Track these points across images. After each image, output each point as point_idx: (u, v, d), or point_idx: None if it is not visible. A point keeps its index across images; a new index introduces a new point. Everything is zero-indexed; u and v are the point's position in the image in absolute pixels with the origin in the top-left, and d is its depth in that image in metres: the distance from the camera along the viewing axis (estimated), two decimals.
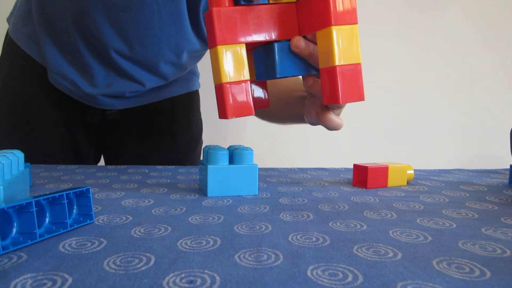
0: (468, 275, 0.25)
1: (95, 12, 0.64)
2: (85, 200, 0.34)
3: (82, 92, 0.73)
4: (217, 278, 0.24)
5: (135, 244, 0.29)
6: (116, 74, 0.72)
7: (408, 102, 1.54)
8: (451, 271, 0.25)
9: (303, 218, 0.37)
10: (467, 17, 1.52)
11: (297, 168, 0.69)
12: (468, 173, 0.67)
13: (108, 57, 0.69)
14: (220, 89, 0.42)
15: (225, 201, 0.44)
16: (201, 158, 0.58)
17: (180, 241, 0.30)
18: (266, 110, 0.60)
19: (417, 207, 0.43)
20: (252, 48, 0.47)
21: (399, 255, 0.28)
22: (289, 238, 0.31)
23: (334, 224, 0.35)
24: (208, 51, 0.80)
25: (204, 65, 0.90)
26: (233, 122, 1.45)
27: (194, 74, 0.89)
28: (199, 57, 0.82)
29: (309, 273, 0.25)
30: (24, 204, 0.28)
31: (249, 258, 0.27)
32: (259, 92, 0.51)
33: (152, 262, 0.26)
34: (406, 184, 0.56)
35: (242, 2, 0.41)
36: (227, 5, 0.40)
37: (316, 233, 0.33)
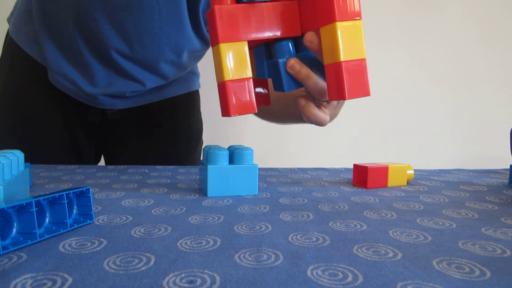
0: (468, 275, 0.25)
1: (95, 12, 0.64)
2: (85, 200, 0.34)
3: (82, 92, 0.73)
4: (217, 278, 0.24)
5: (135, 244, 0.29)
6: (116, 73, 0.72)
7: (408, 102, 1.54)
8: (451, 271, 0.25)
9: (303, 218, 0.37)
10: (467, 17, 1.52)
11: (297, 168, 0.69)
12: (468, 173, 0.67)
13: (108, 57, 0.69)
14: (222, 87, 0.42)
15: (225, 201, 0.44)
16: (201, 158, 0.58)
17: (180, 241, 0.30)
18: (266, 110, 0.60)
19: (417, 207, 0.43)
20: (253, 45, 0.47)
21: (399, 255, 0.28)
22: (289, 238, 0.31)
23: (334, 224, 0.35)
24: (208, 51, 0.80)
25: (204, 65, 0.90)
26: (233, 122, 1.45)
27: (194, 74, 0.89)
28: (199, 57, 0.82)
29: (309, 273, 0.25)
30: (24, 204, 0.28)
31: (249, 258, 0.27)
32: (260, 90, 0.51)
33: (152, 262, 0.26)
34: (406, 184, 0.56)
35: (244, 0, 0.41)
36: (229, 2, 0.40)
37: (316, 233, 0.33)
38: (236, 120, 1.45)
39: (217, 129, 1.37)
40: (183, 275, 0.24)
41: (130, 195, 0.46)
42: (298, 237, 0.32)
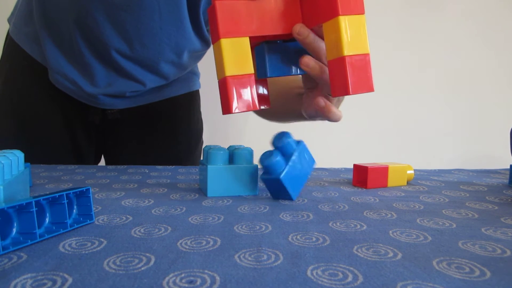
0: (468, 275, 0.25)
1: (96, 12, 0.64)
2: (85, 200, 0.34)
3: (83, 92, 0.73)
4: (217, 278, 0.24)
5: (135, 244, 0.29)
6: (116, 73, 0.72)
7: (408, 102, 1.54)
8: (451, 271, 0.25)
9: (303, 218, 0.37)
10: (467, 17, 1.52)
11: None
12: (468, 173, 0.67)
13: (108, 57, 0.69)
14: (223, 83, 0.41)
15: (225, 201, 0.44)
16: (201, 158, 0.58)
17: (180, 241, 0.30)
18: (271, 109, 0.60)
19: (417, 207, 0.43)
20: (254, 44, 0.47)
21: (399, 255, 0.28)
22: (289, 238, 0.31)
23: (334, 224, 0.35)
24: (208, 52, 0.80)
25: (204, 65, 0.90)
26: (233, 122, 1.45)
27: (194, 74, 0.89)
28: (199, 57, 0.82)
29: (309, 273, 0.25)
30: (24, 204, 0.28)
31: (249, 258, 0.27)
32: (260, 90, 0.50)
33: (152, 262, 0.26)
34: (406, 184, 0.56)
35: None
36: None
37: (316, 233, 0.33)
38: (236, 120, 1.45)
39: (217, 129, 1.37)
40: (183, 275, 0.24)
41: (130, 195, 0.46)
42: (298, 237, 0.32)
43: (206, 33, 0.73)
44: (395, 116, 1.54)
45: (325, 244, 0.30)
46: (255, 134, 1.44)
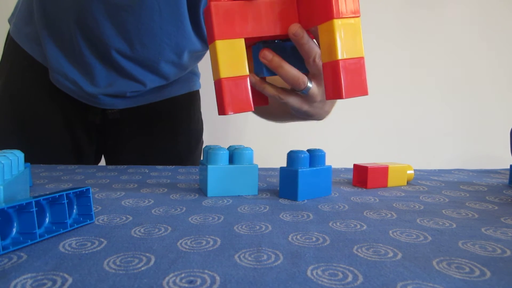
0: (468, 275, 0.25)
1: (96, 12, 0.64)
2: (85, 200, 0.34)
3: (83, 92, 0.73)
4: (217, 278, 0.24)
5: (135, 244, 0.29)
6: (117, 73, 0.72)
7: (408, 102, 1.54)
8: (451, 271, 0.25)
9: (303, 218, 0.37)
10: (467, 17, 1.52)
11: None
12: (468, 173, 0.67)
13: (109, 57, 0.69)
14: (218, 85, 0.41)
15: (225, 201, 0.44)
16: (201, 158, 0.58)
17: (180, 241, 0.30)
18: (263, 107, 0.60)
19: (417, 207, 0.43)
20: (251, 44, 0.47)
21: (399, 255, 0.28)
22: (289, 238, 0.31)
23: (334, 224, 0.35)
24: (208, 51, 0.80)
25: (204, 66, 0.90)
26: (233, 122, 1.45)
27: (194, 74, 0.89)
28: (199, 57, 0.82)
29: (309, 273, 0.25)
30: (24, 204, 0.28)
31: (249, 258, 0.27)
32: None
33: (152, 262, 0.26)
34: (406, 184, 0.56)
35: None
36: None
37: (316, 233, 0.33)
38: (236, 120, 1.45)
39: (217, 129, 1.37)
40: (183, 275, 0.24)
41: (130, 195, 0.46)
42: (298, 237, 0.32)
43: (206, 32, 0.73)
44: (395, 116, 1.54)
45: (325, 244, 0.30)
46: (255, 134, 1.45)
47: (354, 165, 0.55)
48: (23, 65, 0.76)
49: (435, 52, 1.52)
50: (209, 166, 0.45)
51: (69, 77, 0.72)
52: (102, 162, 0.91)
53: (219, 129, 1.41)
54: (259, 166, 0.50)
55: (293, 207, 0.41)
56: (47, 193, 0.35)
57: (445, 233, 0.33)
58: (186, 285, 0.23)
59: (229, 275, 0.24)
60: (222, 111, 0.42)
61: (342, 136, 1.49)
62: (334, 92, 0.40)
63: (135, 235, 0.31)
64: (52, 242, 0.29)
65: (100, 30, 0.66)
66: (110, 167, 0.68)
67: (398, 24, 1.50)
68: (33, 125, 0.76)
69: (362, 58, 0.40)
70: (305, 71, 0.48)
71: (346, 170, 0.68)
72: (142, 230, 0.33)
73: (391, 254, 0.28)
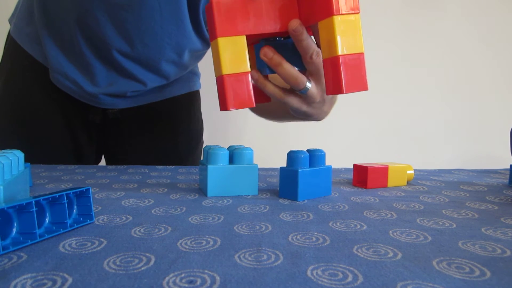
0: (468, 275, 0.25)
1: (97, 11, 0.64)
2: (85, 200, 0.34)
3: (84, 92, 0.73)
4: (217, 278, 0.24)
5: (135, 244, 0.29)
6: (117, 73, 0.72)
7: (408, 102, 1.54)
8: (451, 271, 0.25)
9: (303, 218, 0.37)
10: (467, 17, 1.52)
11: None
12: (468, 173, 0.67)
13: (109, 56, 0.69)
14: (220, 81, 0.42)
15: (225, 201, 0.44)
16: (201, 158, 0.58)
17: (180, 241, 0.30)
18: (263, 107, 0.60)
19: (417, 207, 0.43)
20: (253, 42, 0.47)
21: (399, 255, 0.28)
22: (289, 238, 0.31)
23: (334, 224, 0.35)
24: (209, 51, 0.80)
25: (205, 66, 0.90)
26: (233, 122, 1.45)
27: (195, 74, 0.89)
28: (200, 56, 0.82)
29: (309, 273, 0.25)
30: (24, 204, 0.28)
31: (249, 258, 0.27)
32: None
33: (152, 262, 0.26)
34: (406, 184, 0.56)
35: None
36: None
37: (316, 233, 0.33)
38: (236, 120, 1.45)
39: (217, 129, 1.37)
40: (183, 275, 0.24)
41: (130, 195, 0.46)
42: (298, 237, 0.32)
43: (207, 33, 0.73)
44: (395, 116, 1.54)
45: (325, 244, 0.30)
46: (255, 134, 1.45)
47: (354, 165, 0.55)
48: (24, 65, 0.76)
49: (435, 52, 1.52)
50: (209, 166, 0.45)
51: (70, 76, 0.72)
52: (102, 162, 0.91)
53: (219, 129, 1.41)
54: (259, 166, 0.50)
55: (293, 207, 0.41)
56: (47, 193, 0.35)
57: (445, 233, 0.33)
58: (186, 285, 0.23)
59: (229, 275, 0.24)
60: (224, 107, 0.42)
61: (342, 136, 1.49)
62: (334, 88, 0.41)
63: (135, 235, 0.31)
64: (52, 242, 0.29)
65: (101, 30, 0.66)
66: (110, 167, 0.68)
67: (398, 24, 1.50)
68: (33, 125, 0.76)
69: (362, 53, 0.40)
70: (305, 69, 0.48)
71: (346, 170, 0.68)
72: (142, 230, 0.33)
73: (391, 254, 0.28)
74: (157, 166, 0.68)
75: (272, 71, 0.47)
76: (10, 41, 0.79)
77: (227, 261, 0.26)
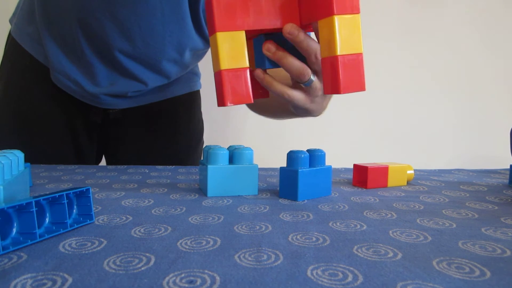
0: (468, 275, 0.25)
1: (98, 10, 0.64)
2: (85, 200, 0.34)
3: (85, 92, 0.74)
4: (217, 278, 0.24)
5: (135, 244, 0.29)
6: (118, 73, 0.72)
7: (408, 102, 1.54)
8: (451, 271, 0.25)
9: (303, 218, 0.37)
10: (467, 17, 1.52)
11: None
12: (468, 173, 0.67)
13: (111, 56, 0.69)
14: (218, 76, 0.42)
15: (225, 201, 0.44)
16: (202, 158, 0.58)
17: (180, 241, 0.30)
18: (260, 104, 0.60)
19: (417, 207, 0.43)
20: (252, 36, 0.47)
21: (399, 255, 0.28)
22: (289, 238, 0.31)
23: (334, 224, 0.35)
24: (210, 51, 0.80)
25: (205, 66, 0.90)
26: (233, 122, 1.45)
27: (195, 74, 0.89)
28: (201, 55, 0.82)
29: (309, 273, 0.25)
30: (24, 204, 0.28)
31: (249, 258, 0.27)
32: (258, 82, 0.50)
33: (152, 262, 0.26)
34: (406, 184, 0.56)
35: None
36: None
37: (316, 233, 0.33)
38: (236, 120, 1.45)
39: (217, 129, 1.37)
40: (183, 275, 0.24)
41: (130, 195, 0.46)
42: (298, 237, 0.32)
43: (207, 31, 0.73)
44: (395, 116, 1.54)
45: (325, 244, 0.30)
46: (255, 134, 1.45)
47: (354, 165, 0.55)
48: (25, 65, 0.76)
49: (435, 52, 1.52)
50: (209, 166, 0.45)
51: (71, 76, 0.72)
52: (103, 162, 0.91)
53: (219, 129, 1.41)
54: (259, 166, 0.50)
55: (293, 207, 0.41)
56: (47, 193, 0.35)
57: (445, 233, 0.33)
58: (186, 285, 0.23)
59: (229, 275, 0.24)
60: (221, 102, 0.42)
61: (342, 136, 1.49)
62: (332, 87, 0.41)
63: (135, 235, 0.31)
64: (52, 242, 0.29)
65: (102, 29, 0.66)
66: (110, 167, 0.68)
67: (398, 24, 1.50)
68: (34, 125, 0.76)
69: (360, 54, 0.40)
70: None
71: (346, 170, 0.68)
72: (142, 230, 0.33)
73: (391, 254, 0.28)
74: (157, 166, 0.68)
75: (272, 66, 0.47)
76: (10, 41, 0.79)
77: (227, 261, 0.26)
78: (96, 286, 0.23)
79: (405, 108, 1.54)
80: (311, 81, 0.48)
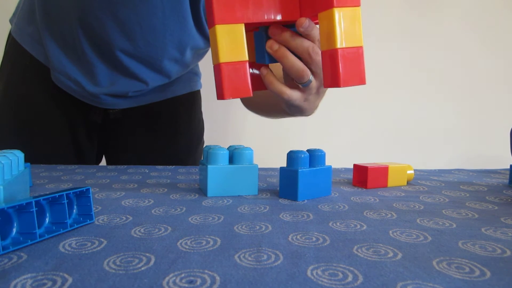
0: (468, 275, 0.25)
1: (98, 10, 0.64)
2: (85, 200, 0.34)
3: (85, 92, 0.74)
4: (217, 278, 0.24)
5: (135, 244, 0.29)
6: (119, 72, 0.72)
7: (408, 102, 1.54)
8: (451, 271, 0.25)
9: (303, 218, 0.37)
10: (468, 18, 1.52)
11: None
12: (468, 173, 0.67)
13: (111, 55, 0.69)
14: (218, 69, 0.41)
15: (225, 201, 0.44)
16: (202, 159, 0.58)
17: (180, 241, 0.30)
18: (254, 102, 0.59)
19: (417, 207, 0.43)
20: (252, 29, 0.47)
21: (399, 255, 0.28)
22: (289, 238, 0.31)
23: (334, 224, 0.35)
24: (210, 50, 0.80)
25: (205, 66, 0.90)
26: (233, 122, 1.45)
27: (195, 74, 0.89)
28: (202, 55, 0.82)
29: (309, 273, 0.25)
30: (24, 204, 0.28)
31: (249, 258, 0.27)
32: (258, 74, 0.50)
33: (152, 262, 0.26)
34: (406, 184, 0.56)
35: None
36: None
37: (316, 233, 0.33)
38: (236, 120, 1.44)
39: (217, 129, 1.37)
40: (183, 275, 0.24)
41: (130, 195, 0.46)
42: (298, 237, 0.32)
43: (208, 30, 0.73)
44: (395, 116, 1.54)
45: (325, 244, 0.30)
46: (255, 134, 1.45)
47: (354, 165, 0.55)
48: (25, 65, 0.76)
49: (435, 52, 1.52)
50: (209, 166, 0.45)
51: (71, 76, 0.72)
52: (103, 162, 0.91)
53: (219, 129, 1.41)
54: (259, 166, 0.50)
55: (293, 207, 0.41)
56: (47, 193, 0.35)
57: (445, 233, 0.33)
58: (186, 285, 0.23)
59: (229, 275, 0.24)
60: (220, 95, 0.42)
61: (342, 136, 1.49)
62: (332, 80, 0.40)
63: (135, 235, 0.31)
64: (52, 242, 0.29)
65: (103, 28, 0.66)
66: (110, 167, 0.68)
67: (398, 25, 1.50)
68: (34, 125, 0.76)
69: (361, 47, 0.40)
70: None
71: (346, 170, 0.68)
72: (142, 230, 0.33)
73: (391, 254, 0.28)
74: (157, 166, 0.68)
75: (272, 61, 0.47)
76: (11, 41, 0.79)
77: (227, 261, 0.26)
78: (96, 286, 0.23)
79: (405, 108, 1.54)
80: (310, 81, 0.48)
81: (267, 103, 0.66)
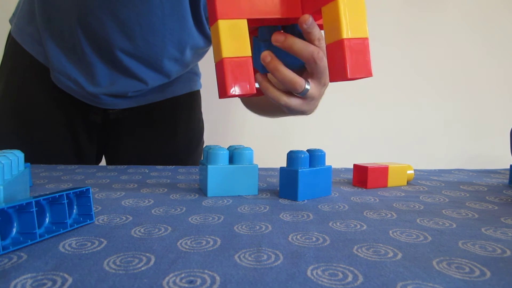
0: (468, 275, 0.25)
1: (98, 10, 0.64)
2: (85, 200, 0.34)
3: (85, 92, 0.74)
4: (217, 278, 0.24)
5: (135, 244, 0.29)
6: (119, 72, 0.72)
7: (408, 102, 1.54)
8: (451, 271, 0.25)
9: (303, 218, 0.37)
10: (467, 18, 1.52)
11: None
12: (468, 173, 0.67)
13: (111, 55, 0.69)
14: (220, 66, 0.40)
15: (225, 201, 0.44)
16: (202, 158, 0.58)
17: (180, 241, 0.30)
18: (255, 101, 0.58)
19: (417, 207, 0.43)
20: (254, 29, 0.46)
21: (399, 255, 0.28)
22: (289, 238, 0.31)
23: (334, 224, 0.35)
24: (210, 50, 0.80)
25: (205, 66, 0.90)
26: (233, 122, 1.45)
27: (195, 74, 0.89)
28: (201, 54, 0.82)
29: (309, 273, 0.25)
30: (24, 204, 0.28)
31: (249, 258, 0.27)
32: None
33: (152, 262, 0.26)
34: (406, 184, 0.56)
35: None
36: None
37: (316, 233, 0.33)
38: (236, 120, 1.45)
39: (217, 129, 1.37)
40: (183, 275, 0.24)
41: (130, 195, 0.46)
42: (298, 237, 0.32)
43: (208, 29, 0.73)
44: (395, 116, 1.54)
45: (325, 244, 0.30)
46: (255, 134, 1.45)
47: (354, 165, 0.55)
48: (25, 64, 0.76)
49: (435, 52, 1.52)
50: (209, 166, 0.45)
51: (71, 76, 0.72)
52: (103, 162, 0.91)
53: (219, 129, 1.41)
54: (259, 166, 0.50)
55: (293, 207, 0.41)
56: (47, 193, 0.35)
57: (445, 233, 0.33)
58: (186, 285, 0.23)
59: (229, 275, 0.24)
60: (223, 93, 0.40)
61: (342, 136, 1.49)
62: (338, 73, 0.39)
63: (135, 235, 0.31)
64: (52, 242, 0.29)
65: (103, 28, 0.66)
66: (110, 167, 0.68)
67: (397, 24, 1.50)
68: (34, 125, 0.76)
69: (366, 38, 0.39)
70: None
71: (346, 170, 0.68)
72: (142, 230, 0.33)
73: (391, 254, 0.28)
74: (157, 166, 0.68)
75: (265, 71, 0.46)
76: (11, 41, 0.79)
77: (227, 261, 0.26)
78: (96, 286, 0.23)
79: (405, 108, 1.54)
80: (307, 90, 0.48)
81: (267, 103, 0.66)
